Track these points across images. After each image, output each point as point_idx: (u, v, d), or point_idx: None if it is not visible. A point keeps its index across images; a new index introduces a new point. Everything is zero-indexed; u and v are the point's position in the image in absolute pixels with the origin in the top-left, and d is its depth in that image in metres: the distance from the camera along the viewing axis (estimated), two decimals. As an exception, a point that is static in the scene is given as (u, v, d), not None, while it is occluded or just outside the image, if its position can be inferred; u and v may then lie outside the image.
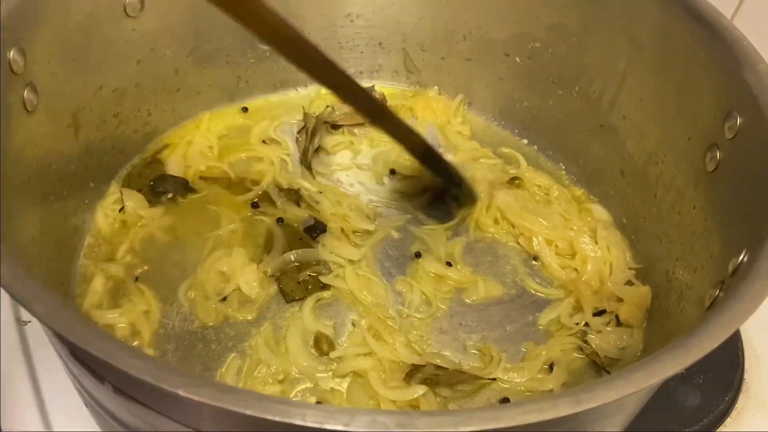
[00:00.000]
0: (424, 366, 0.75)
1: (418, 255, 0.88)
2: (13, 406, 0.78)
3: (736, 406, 0.83)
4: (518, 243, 0.91)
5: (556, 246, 0.89)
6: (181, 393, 0.41)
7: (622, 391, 0.46)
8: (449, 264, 0.87)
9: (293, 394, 0.75)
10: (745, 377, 0.85)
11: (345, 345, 0.79)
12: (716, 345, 0.50)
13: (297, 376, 0.76)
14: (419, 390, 0.73)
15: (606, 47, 0.91)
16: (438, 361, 0.76)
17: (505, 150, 1.02)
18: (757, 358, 0.87)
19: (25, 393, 0.79)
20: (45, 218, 0.75)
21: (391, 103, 1.05)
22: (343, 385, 0.75)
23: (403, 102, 1.06)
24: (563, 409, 0.44)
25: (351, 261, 0.86)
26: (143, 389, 0.49)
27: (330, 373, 0.76)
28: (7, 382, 0.79)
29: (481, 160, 1.00)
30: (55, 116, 0.77)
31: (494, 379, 0.76)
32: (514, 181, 0.97)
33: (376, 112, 0.83)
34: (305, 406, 0.42)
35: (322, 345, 0.77)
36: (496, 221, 0.92)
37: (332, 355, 0.77)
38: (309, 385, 0.75)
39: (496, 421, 0.43)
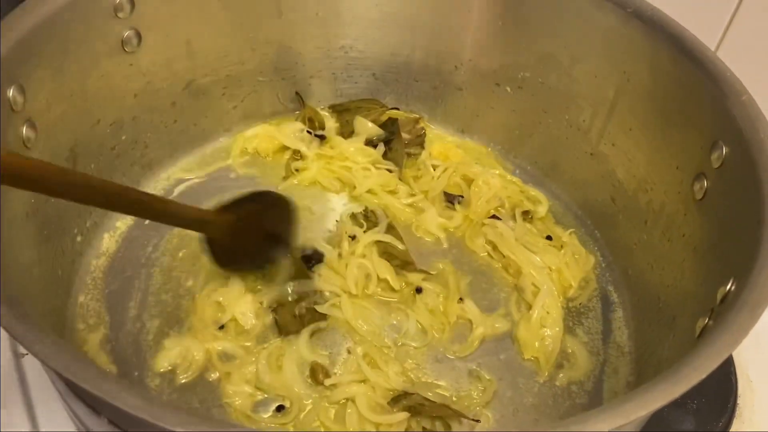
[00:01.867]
0: (412, 394, 0.75)
1: (419, 291, 0.87)
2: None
3: (730, 431, 0.83)
4: (508, 273, 0.92)
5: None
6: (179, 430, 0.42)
7: (613, 423, 0.46)
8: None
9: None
10: (738, 402, 0.85)
11: (339, 372, 0.79)
12: (704, 376, 0.51)
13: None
14: (399, 416, 0.74)
15: (595, 77, 0.92)
16: (429, 395, 0.76)
17: (532, 192, 1.02)
18: (750, 383, 0.88)
19: (23, 427, 0.79)
20: (43, 253, 0.76)
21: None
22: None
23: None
24: (555, 441, 0.45)
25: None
26: (139, 424, 0.50)
27: (324, 401, 0.77)
28: (5, 416, 0.79)
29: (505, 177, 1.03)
30: (53, 151, 0.78)
31: (478, 421, 0.76)
32: (527, 215, 0.98)
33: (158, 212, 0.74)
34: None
35: (318, 375, 0.78)
36: (488, 253, 0.94)
37: (327, 382, 0.77)
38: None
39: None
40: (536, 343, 0.83)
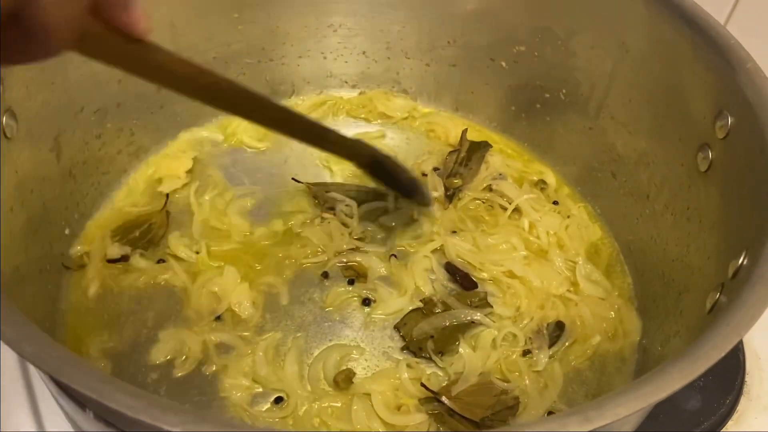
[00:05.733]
0: (443, 403, 0.72)
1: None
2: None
3: (738, 408, 0.82)
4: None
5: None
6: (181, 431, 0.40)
7: (632, 407, 0.45)
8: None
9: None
10: (746, 379, 0.84)
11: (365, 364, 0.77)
12: (723, 354, 0.49)
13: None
14: (418, 418, 0.72)
15: (592, 49, 0.90)
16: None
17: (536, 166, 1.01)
18: (758, 359, 0.87)
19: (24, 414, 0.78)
20: (30, 247, 0.74)
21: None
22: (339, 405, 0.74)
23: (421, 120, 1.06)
24: (573, 427, 0.43)
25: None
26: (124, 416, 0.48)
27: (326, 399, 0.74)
28: (9, 415, 0.78)
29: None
30: (37, 141, 0.76)
31: None
32: (539, 184, 0.97)
33: (315, 135, 0.75)
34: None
35: (341, 382, 0.75)
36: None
37: (351, 390, 0.75)
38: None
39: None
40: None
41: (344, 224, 0.89)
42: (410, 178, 0.87)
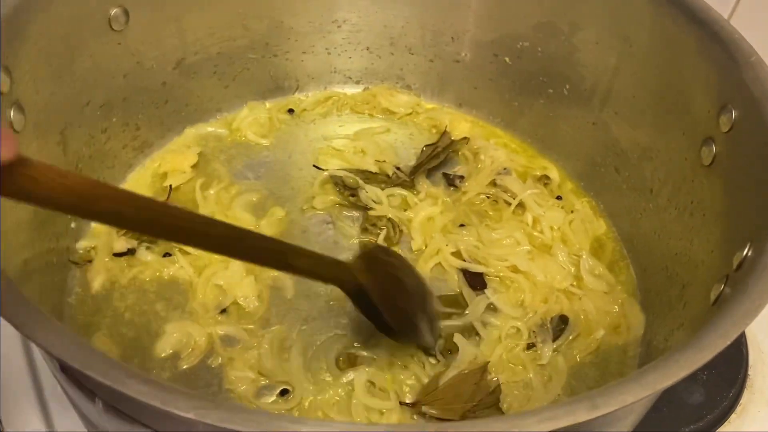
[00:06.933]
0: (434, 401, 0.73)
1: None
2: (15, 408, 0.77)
3: (741, 402, 0.82)
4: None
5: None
6: (192, 416, 0.40)
7: (639, 394, 0.45)
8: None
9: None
10: (749, 373, 0.85)
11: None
12: (729, 342, 0.49)
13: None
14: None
15: (596, 44, 0.90)
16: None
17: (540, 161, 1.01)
18: (761, 353, 0.87)
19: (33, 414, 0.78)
20: (36, 239, 0.74)
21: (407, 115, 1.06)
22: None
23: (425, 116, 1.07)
24: (580, 415, 0.43)
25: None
26: (137, 405, 0.48)
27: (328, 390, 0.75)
28: (14, 395, 0.78)
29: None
30: (44, 134, 0.76)
31: None
32: (542, 179, 0.97)
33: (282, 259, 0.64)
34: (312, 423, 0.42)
35: (342, 363, 0.76)
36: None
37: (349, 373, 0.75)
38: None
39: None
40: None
41: (369, 208, 0.91)
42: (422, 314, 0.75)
